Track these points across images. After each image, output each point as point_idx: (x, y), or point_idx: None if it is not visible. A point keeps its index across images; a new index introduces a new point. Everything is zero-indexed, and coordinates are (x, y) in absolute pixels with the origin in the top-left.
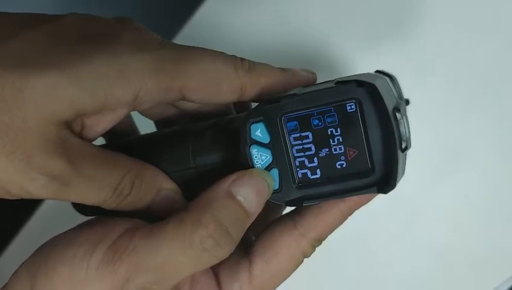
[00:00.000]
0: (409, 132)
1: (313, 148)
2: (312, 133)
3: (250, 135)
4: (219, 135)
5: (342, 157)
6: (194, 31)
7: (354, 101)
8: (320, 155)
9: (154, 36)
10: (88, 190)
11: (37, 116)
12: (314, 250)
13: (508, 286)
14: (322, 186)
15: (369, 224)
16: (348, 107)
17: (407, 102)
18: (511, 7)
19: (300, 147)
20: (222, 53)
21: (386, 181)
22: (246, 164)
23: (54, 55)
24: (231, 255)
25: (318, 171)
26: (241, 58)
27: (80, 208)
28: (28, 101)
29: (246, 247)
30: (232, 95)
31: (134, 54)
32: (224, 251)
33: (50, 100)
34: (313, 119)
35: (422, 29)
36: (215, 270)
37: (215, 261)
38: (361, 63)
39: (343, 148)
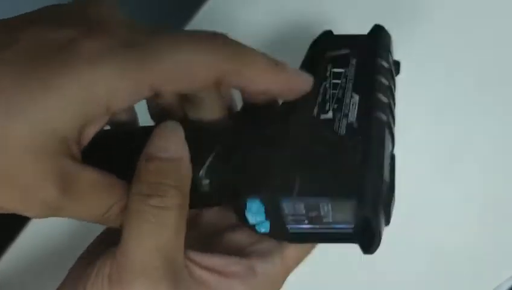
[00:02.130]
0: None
1: (307, 221)
2: (306, 211)
3: (245, 212)
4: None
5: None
6: (197, 27)
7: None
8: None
9: (118, 32)
10: (78, 213)
11: (28, 151)
12: None
13: (508, 285)
14: (311, 236)
15: None
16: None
17: (397, 68)
18: (511, 7)
19: (295, 221)
20: (200, 36)
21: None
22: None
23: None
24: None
25: (308, 226)
26: (223, 38)
27: None
28: (13, 144)
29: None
30: (208, 83)
31: (95, 64)
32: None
33: (38, 134)
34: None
35: (422, 29)
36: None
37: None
38: None
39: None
